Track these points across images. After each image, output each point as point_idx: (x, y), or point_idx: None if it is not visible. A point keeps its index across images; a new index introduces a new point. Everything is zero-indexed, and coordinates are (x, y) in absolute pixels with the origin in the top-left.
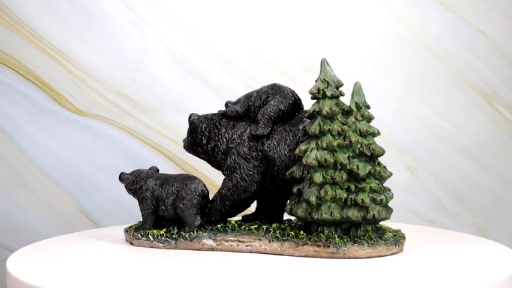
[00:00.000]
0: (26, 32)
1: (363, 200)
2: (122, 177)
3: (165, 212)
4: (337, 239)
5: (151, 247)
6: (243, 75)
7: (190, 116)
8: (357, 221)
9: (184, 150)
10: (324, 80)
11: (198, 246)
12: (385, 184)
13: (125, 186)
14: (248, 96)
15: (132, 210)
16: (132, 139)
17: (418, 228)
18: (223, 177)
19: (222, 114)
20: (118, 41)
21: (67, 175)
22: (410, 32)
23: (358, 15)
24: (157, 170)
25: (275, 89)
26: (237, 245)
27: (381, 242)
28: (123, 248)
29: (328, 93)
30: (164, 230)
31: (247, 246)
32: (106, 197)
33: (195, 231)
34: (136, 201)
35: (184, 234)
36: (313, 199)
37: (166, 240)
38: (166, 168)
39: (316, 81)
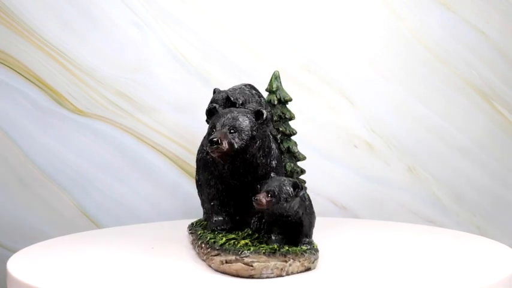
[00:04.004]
0: (26, 32)
1: None
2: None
3: None
4: None
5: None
6: (243, 75)
7: (262, 111)
8: None
9: (236, 152)
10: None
11: None
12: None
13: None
14: (240, 97)
15: (133, 211)
16: (132, 139)
17: (418, 227)
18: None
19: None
20: (118, 41)
21: (67, 175)
22: (411, 32)
23: (358, 15)
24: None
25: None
26: None
27: None
28: (123, 248)
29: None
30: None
31: None
32: (106, 197)
33: None
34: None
35: None
36: None
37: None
38: (166, 169)
39: (271, 91)
